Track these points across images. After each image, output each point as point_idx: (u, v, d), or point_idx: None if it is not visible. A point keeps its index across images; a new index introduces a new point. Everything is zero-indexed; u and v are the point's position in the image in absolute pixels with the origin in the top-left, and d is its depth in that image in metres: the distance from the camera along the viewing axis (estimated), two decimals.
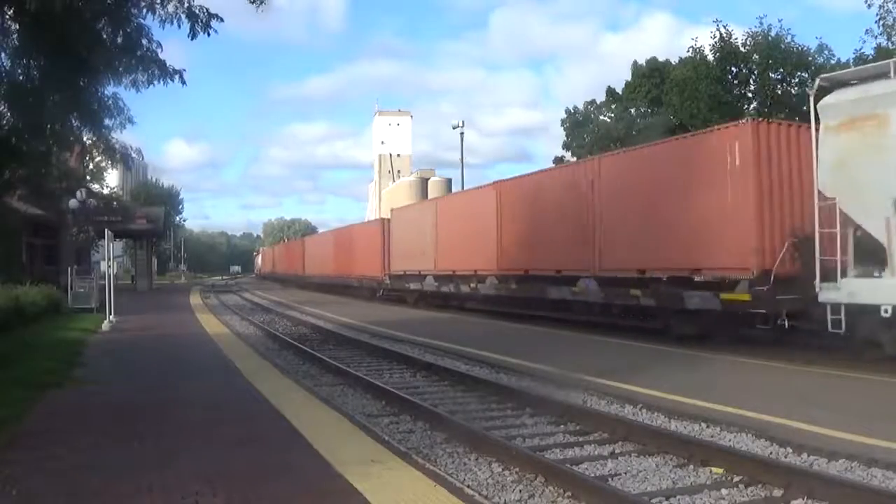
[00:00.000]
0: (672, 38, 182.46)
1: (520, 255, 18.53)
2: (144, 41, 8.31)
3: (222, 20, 8.11)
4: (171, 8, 8.01)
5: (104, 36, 8.24)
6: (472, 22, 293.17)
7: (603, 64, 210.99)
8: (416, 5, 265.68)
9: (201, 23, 7.95)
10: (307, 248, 50.35)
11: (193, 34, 7.97)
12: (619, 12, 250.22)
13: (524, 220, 18.75)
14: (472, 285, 21.24)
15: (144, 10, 8.19)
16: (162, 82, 8.43)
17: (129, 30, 8.19)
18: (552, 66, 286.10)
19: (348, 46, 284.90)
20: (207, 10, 7.95)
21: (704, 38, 35.79)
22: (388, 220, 30.35)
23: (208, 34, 8.03)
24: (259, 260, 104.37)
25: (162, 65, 8.37)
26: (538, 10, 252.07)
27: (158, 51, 8.37)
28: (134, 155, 10.68)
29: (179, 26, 7.97)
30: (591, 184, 15.73)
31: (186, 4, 7.92)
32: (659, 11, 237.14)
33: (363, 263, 32.67)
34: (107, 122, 9.28)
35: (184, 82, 8.60)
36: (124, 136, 11.80)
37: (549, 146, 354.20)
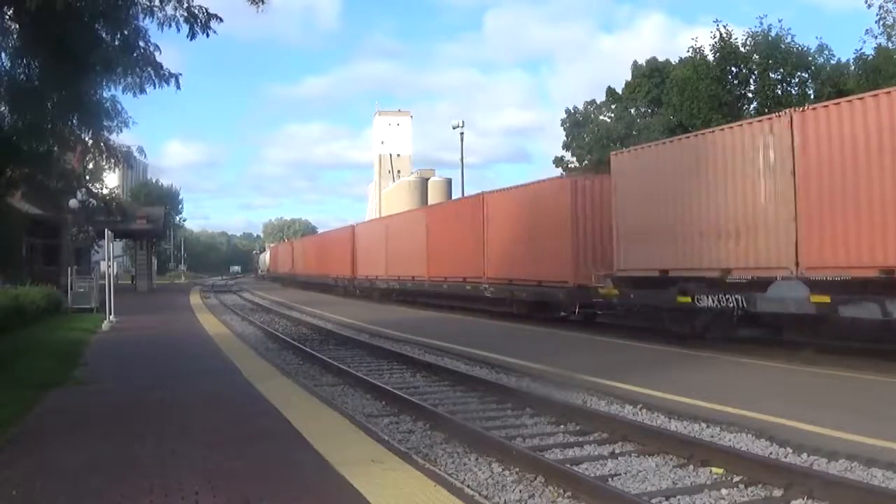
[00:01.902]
0: (667, 39, 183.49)
1: None
2: (141, 43, 8.29)
3: (222, 20, 8.09)
4: (169, 10, 8.00)
5: (105, 35, 8.23)
6: (467, 23, 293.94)
7: (598, 64, 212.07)
8: (411, 6, 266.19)
9: (201, 23, 7.93)
10: (359, 240, 34.64)
11: (192, 35, 7.96)
12: (613, 13, 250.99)
13: None
14: None
15: (142, 13, 8.17)
16: (158, 86, 8.40)
17: (126, 32, 8.17)
18: (547, 66, 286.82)
19: (344, 47, 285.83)
20: (207, 10, 7.94)
21: (703, 38, 35.86)
22: (590, 180, 16.70)
23: (207, 35, 8.01)
24: (265, 259, 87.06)
25: (157, 68, 8.33)
26: (532, 11, 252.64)
27: (156, 53, 8.34)
28: (136, 154, 10.69)
29: (179, 30, 7.96)
30: None
31: (186, 5, 7.90)
32: (653, 12, 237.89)
33: (517, 259, 18.50)
34: (105, 123, 9.26)
35: (178, 87, 8.56)
36: (123, 137, 11.79)
37: (546, 146, 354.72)
